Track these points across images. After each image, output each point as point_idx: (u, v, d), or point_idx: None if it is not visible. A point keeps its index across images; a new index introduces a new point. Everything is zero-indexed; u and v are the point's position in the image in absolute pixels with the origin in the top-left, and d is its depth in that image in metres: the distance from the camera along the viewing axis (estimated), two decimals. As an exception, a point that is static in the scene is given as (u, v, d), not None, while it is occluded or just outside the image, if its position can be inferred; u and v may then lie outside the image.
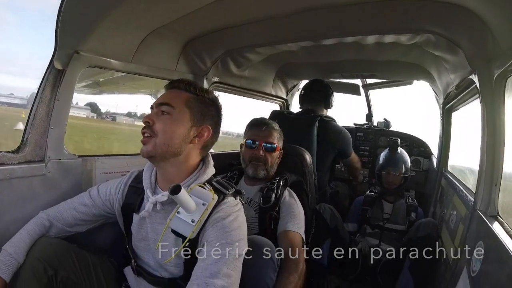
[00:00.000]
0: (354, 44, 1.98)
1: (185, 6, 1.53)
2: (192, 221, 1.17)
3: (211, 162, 1.38)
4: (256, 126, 1.96)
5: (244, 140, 1.96)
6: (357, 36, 1.85)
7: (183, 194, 1.13)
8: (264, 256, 1.36)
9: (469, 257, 1.30)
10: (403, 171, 2.53)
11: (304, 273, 1.56)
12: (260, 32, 1.92)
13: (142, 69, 1.89)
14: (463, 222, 1.64)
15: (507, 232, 1.16)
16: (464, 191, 1.81)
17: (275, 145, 1.90)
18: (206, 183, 1.28)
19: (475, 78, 1.49)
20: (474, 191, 1.52)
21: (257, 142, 1.90)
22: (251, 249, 1.23)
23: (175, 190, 1.12)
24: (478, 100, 1.50)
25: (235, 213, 1.23)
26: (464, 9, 1.30)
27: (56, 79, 1.52)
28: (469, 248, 1.34)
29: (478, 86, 1.46)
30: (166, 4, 1.48)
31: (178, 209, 1.20)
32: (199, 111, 1.30)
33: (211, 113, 1.34)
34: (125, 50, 1.73)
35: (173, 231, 1.21)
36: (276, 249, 1.46)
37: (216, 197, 1.22)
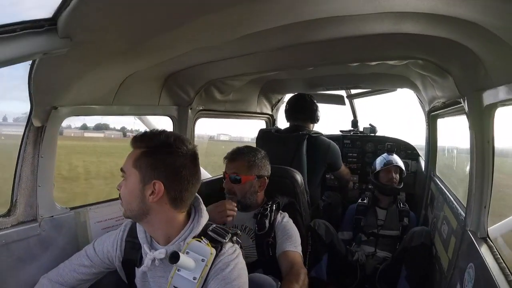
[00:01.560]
0: (338, 63, 2.01)
1: (165, 54, 1.52)
2: (194, 278, 1.18)
3: (204, 210, 1.34)
4: (226, 158, 1.95)
5: None
6: (342, 64, 1.86)
7: (182, 259, 1.14)
8: None
9: (462, 276, 1.37)
10: (403, 167, 2.68)
11: (306, 285, 1.59)
12: (242, 64, 1.91)
13: (124, 109, 1.88)
14: (454, 236, 1.69)
15: (495, 259, 1.23)
16: (454, 203, 1.87)
17: (238, 177, 1.86)
18: (202, 237, 1.27)
19: (464, 104, 1.51)
20: (465, 206, 1.57)
21: (225, 175, 1.92)
22: None
23: (175, 257, 1.12)
24: (464, 116, 1.54)
25: (234, 261, 1.24)
26: (455, 43, 1.29)
27: (37, 135, 1.49)
28: (462, 267, 1.41)
29: (467, 111, 1.49)
30: (145, 59, 1.47)
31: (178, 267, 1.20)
32: (149, 167, 1.20)
33: (166, 163, 1.21)
34: (105, 95, 1.71)
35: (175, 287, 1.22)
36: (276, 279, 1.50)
37: (214, 251, 1.22)
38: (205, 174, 2.87)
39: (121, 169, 1.24)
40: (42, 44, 0.92)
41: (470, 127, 1.47)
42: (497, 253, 1.27)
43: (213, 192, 2.09)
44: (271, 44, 1.59)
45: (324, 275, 2.20)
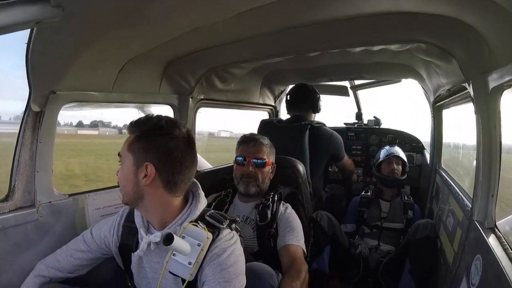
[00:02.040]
0: (340, 51, 1.96)
1: (163, 36, 1.50)
2: (189, 263, 1.16)
3: (202, 195, 1.33)
4: (245, 142, 1.94)
5: (235, 157, 1.95)
6: (344, 48, 1.82)
7: (177, 241, 1.12)
8: (264, 285, 1.36)
9: (469, 268, 1.31)
10: (404, 158, 2.62)
11: (306, 282, 1.56)
12: (243, 50, 1.89)
13: (124, 97, 1.85)
14: (460, 227, 1.64)
15: (504, 249, 1.17)
16: (460, 194, 1.82)
17: (264, 160, 1.88)
18: (199, 221, 1.25)
19: (469, 87, 1.47)
20: (471, 197, 1.52)
21: (246, 159, 1.89)
22: (251, 278, 1.23)
23: (168, 239, 1.10)
24: (470, 104, 1.49)
25: (231, 247, 1.21)
26: (458, 21, 1.26)
27: (36, 121, 1.48)
28: (468, 259, 1.36)
29: (472, 96, 1.44)
30: (142, 39, 1.45)
31: (173, 251, 1.18)
32: (141, 150, 1.19)
33: (157, 145, 1.19)
34: (104, 81, 1.70)
35: (171, 272, 1.20)
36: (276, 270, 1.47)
37: (210, 236, 1.20)
38: (206, 165, 2.85)
39: (118, 154, 1.24)
40: (34, 12, 0.91)
41: (476, 112, 1.43)
42: (506, 243, 1.22)
43: (215, 183, 2.08)
44: (269, 26, 1.56)
45: (326, 267, 2.17)
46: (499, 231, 1.33)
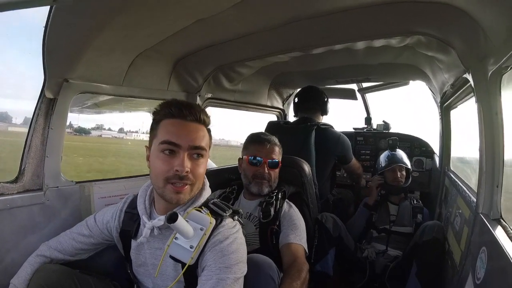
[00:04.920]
0: (344, 51, 1.97)
1: (169, 27, 1.56)
2: (191, 247, 1.16)
3: (207, 184, 1.35)
4: (258, 142, 1.93)
5: (245, 155, 1.94)
6: (345, 43, 1.83)
7: (181, 221, 1.12)
8: (264, 275, 1.34)
9: (474, 264, 1.27)
10: (407, 165, 2.55)
11: (307, 282, 1.53)
12: (249, 46, 1.93)
13: (134, 91, 1.92)
14: (467, 225, 1.59)
15: (510, 237, 1.13)
16: (467, 192, 1.77)
17: (277, 161, 1.90)
18: (202, 207, 1.27)
19: (469, 77, 1.46)
20: (476, 192, 1.48)
21: (261, 159, 1.89)
22: (251, 269, 1.22)
23: (172, 217, 1.10)
24: (472, 98, 1.47)
25: (233, 235, 1.21)
26: (453, 8, 1.27)
27: (49, 107, 1.56)
28: (474, 255, 1.31)
29: (472, 85, 1.43)
30: (149, 28, 1.51)
31: (175, 234, 1.18)
32: (210, 143, 1.29)
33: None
34: (115, 74, 1.77)
35: (172, 257, 1.20)
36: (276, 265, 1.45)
37: (214, 221, 1.20)
38: (212, 164, 2.87)
39: (199, 147, 1.21)
40: None
41: (476, 101, 1.41)
42: (511, 232, 1.17)
43: (220, 182, 2.09)
44: (271, 20, 1.60)
45: (330, 269, 2.12)
46: (505, 222, 1.28)
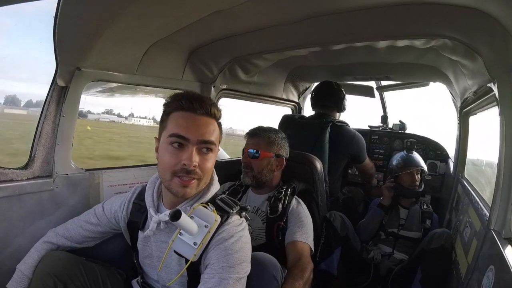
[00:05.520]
0: (365, 48, 1.90)
1: (185, 18, 1.51)
2: (194, 244, 1.15)
3: (215, 179, 1.34)
4: (248, 135, 1.98)
5: None
6: (368, 41, 1.76)
7: (184, 219, 1.11)
8: (267, 275, 1.33)
9: (480, 280, 1.24)
10: (425, 168, 2.48)
11: (310, 281, 1.52)
12: (267, 39, 1.87)
13: (147, 80, 1.89)
14: (477, 238, 1.55)
15: None
16: (480, 203, 1.72)
17: (257, 153, 1.88)
18: (209, 203, 1.25)
19: (494, 87, 1.39)
20: (490, 206, 1.43)
21: (243, 150, 1.94)
22: (254, 267, 1.21)
23: (176, 215, 1.09)
24: (496, 108, 1.41)
25: (239, 233, 1.20)
26: (485, 15, 1.21)
27: (60, 95, 1.55)
28: (481, 271, 1.28)
29: (497, 96, 1.36)
30: (164, 18, 1.47)
31: (180, 230, 1.18)
32: (220, 137, 1.27)
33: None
34: (128, 62, 1.74)
35: (176, 252, 1.20)
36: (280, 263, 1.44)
37: (219, 218, 1.19)
38: (224, 155, 2.86)
39: (209, 141, 1.19)
40: None
41: (500, 113, 1.35)
42: None
43: (232, 174, 2.08)
44: (290, 15, 1.56)
45: (335, 269, 2.10)
46: None
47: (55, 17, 1.20)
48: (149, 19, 1.42)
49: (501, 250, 1.17)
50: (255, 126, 2.01)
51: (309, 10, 1.51)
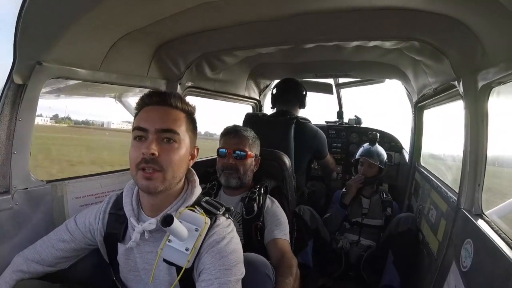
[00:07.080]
0: (333, 46, 1.97)
1: (164, 10, 1.42)
2: (186, 249, 1.09)
3: (197, 181, 1.28)
4: (227, 134, 1.91)
5: (218, 149, 1.91)
6: (341, 42, 1.82)
7: (176, 224, 1.05)
8: (261, 275, 1.33)
9: (458, 253, 1.38)
10: (378, 162, 2.62)
11: (298, 277, 1.55)
12: (240, 35, 1.83)
13: (111, 77, 1.72)
14: (445, 218, 1.73)
15: (495, 231, 1.24)
16: (442, 187, 1.91)
17: (245, 152, 1.85)
18: (196, 206, 1.19)
19: (459, 86, 1.53)
20: (457, 190, 1.60)
21: (225, 151, 1.86)
22: (247, 268, 1.18)
23: (167, 221, 1.02)
24: (454, 101, 1.55)
25: (229, 234, 1.16)
26: (455, 21, 1.30)
27: (16, 95, 1.31)
28: (457, 245, 1.42)
29: (462, 93, 1.50)
30: (143, 8, 1.36)
31: (169, 237, 1.11)
32: (195, 130, 1.23)
33: (196, 129, 1.26)
34: (93, 57, 1.57)
35: (166, 261, 1.13)
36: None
37: (209, 220, 1.14)
38: None
39: (169, 130, 1.13)
40: None
41: (465, 108, 1.50)
42: (496, 226, 1.29)
43: (198, 176, 2.01)
44: (265, 13, 1.55)
45: (310, 261, 2.18)
46: (487, 217, 1.41)
47: (23, 3, 1.03)
48: (129, 6, 1.30)
49: (475, 224, 1.33)
50: (229, 125, 1.97)
51: (286, 9, 1.51)
